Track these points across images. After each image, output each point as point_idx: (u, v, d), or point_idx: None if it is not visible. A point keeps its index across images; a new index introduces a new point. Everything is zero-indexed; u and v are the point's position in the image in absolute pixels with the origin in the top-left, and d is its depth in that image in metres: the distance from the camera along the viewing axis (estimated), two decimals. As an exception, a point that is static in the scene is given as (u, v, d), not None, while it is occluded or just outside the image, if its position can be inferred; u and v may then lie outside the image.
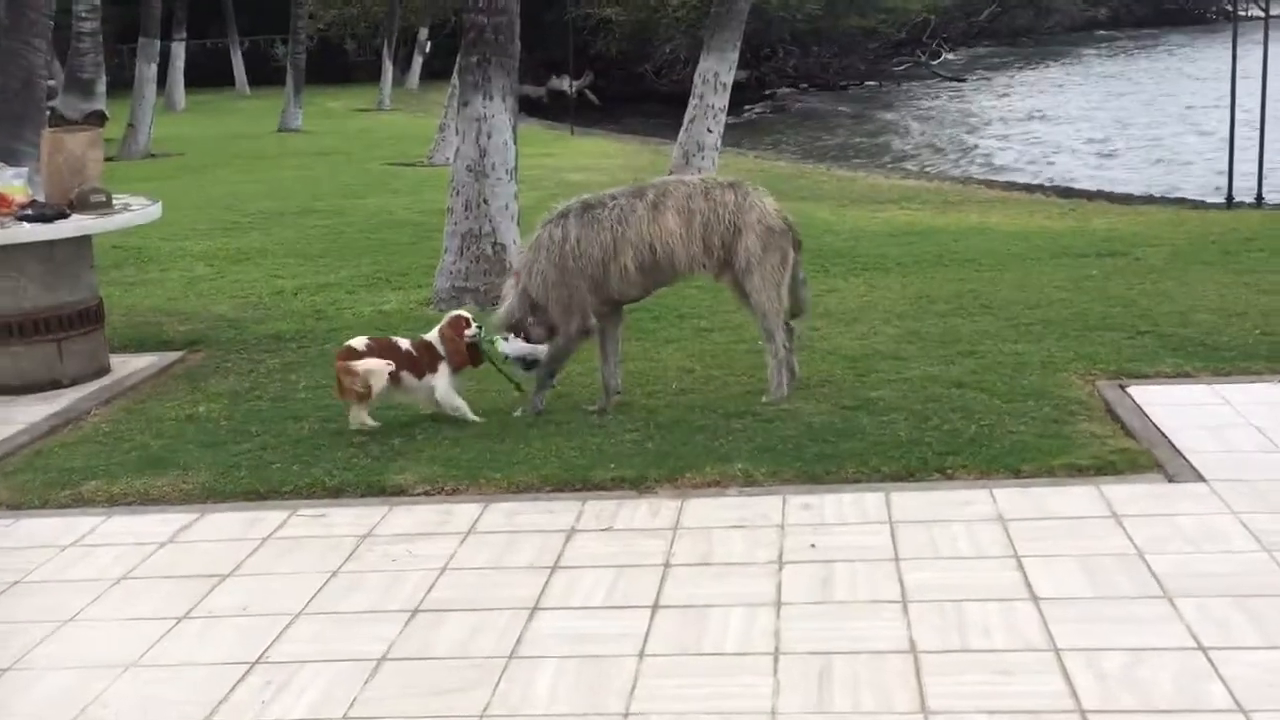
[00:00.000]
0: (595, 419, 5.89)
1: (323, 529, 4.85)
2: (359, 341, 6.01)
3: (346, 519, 4.93)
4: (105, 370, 7.19)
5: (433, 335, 6.08)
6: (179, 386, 6.94)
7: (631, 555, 4.40)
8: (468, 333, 6.04)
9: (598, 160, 18.04)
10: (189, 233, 12.07)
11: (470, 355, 6.04)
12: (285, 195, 14.98)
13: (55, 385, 6.91)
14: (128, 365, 7.35)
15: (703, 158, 11.68)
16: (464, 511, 4.92)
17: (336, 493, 5.20)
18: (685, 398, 6.19)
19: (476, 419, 5.96)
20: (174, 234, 11.82)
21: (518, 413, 6.01)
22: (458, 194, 8.62)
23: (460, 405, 6.00)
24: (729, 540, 4.49)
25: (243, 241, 11.60)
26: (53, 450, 5.93)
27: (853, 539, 4.44)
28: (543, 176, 15.02)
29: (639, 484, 5.07)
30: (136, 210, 7.30)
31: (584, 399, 6.24)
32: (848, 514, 4.68)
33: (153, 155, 20.66)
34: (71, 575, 4.53)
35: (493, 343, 6.04)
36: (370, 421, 5.92)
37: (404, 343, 6.06)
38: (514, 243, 8.32)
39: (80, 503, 5.27)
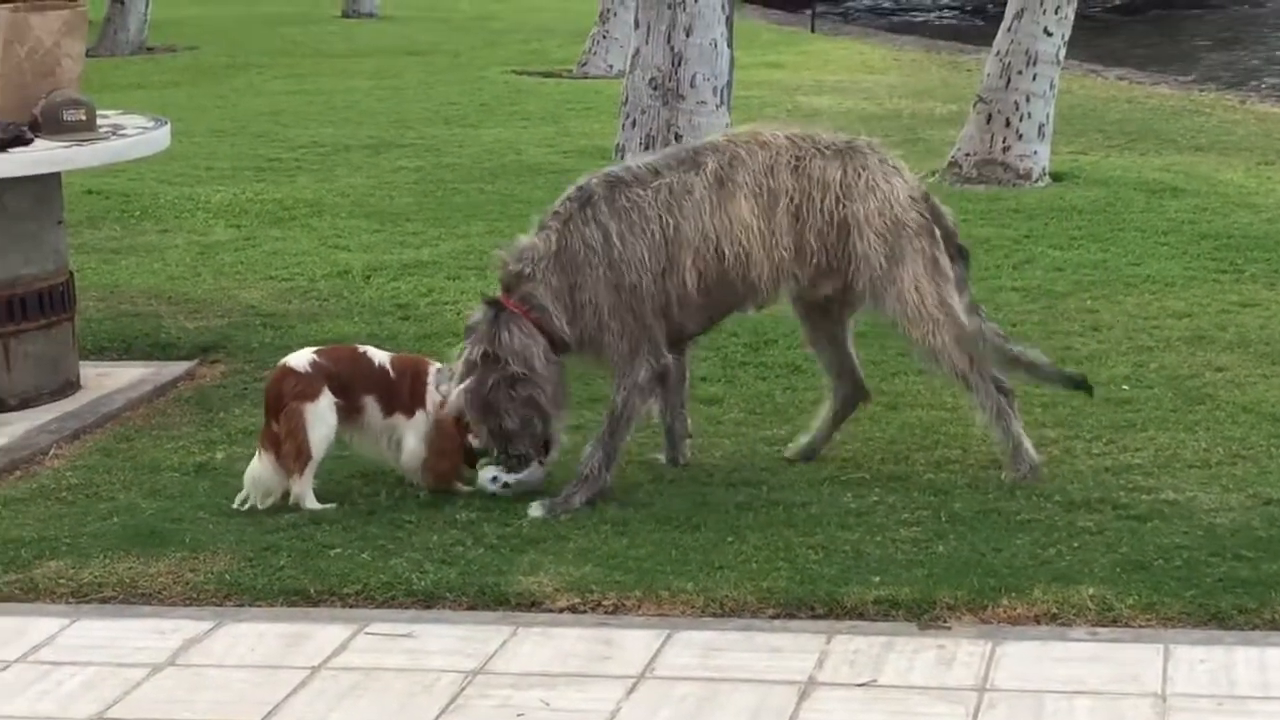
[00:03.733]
0: (847, 499, 5.89)
1: (407, 658, 4.90)
2: (301, 359, 6.06)
3: (445, 644, 4.98)
4: (74, 386, 7.42)
5: (434, 371, 6.16)
6: (185, 417, 7.13)
7: (909, 730, 4.37)
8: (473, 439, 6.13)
9: (855, 76, 17.97)
10: (203, 174, 12.40)
11: (468, 458, 6.19)
12: (354, 118, 15.30)
13: (-4, 406, 7.18)
14: (107, 380, 7.56)
15: (1034, 76, 11.53)
16: (632, 642, 4.94)
17: (429, 600, 5.27)
18: (999, 473, 6.16)
19: (467, 489, 6.11)
20: (181, 175, 12.16)
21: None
22: (634, 125, 8.71)
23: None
24: (1071, 715, 4.44)
25: (287, 190, 11.88)
26: (-9, 509, 6.15)
27: (1286, 726, 4.35)
28: (765, 101, 15.06)
29: (921, 612, 5.06)
30: (132, 136, 7.51)
31: (836, 461, 6.24)
32: (1275, 682, 4.58)
33: (149, 49, 21.34)
34: (12, 711, 4.65)
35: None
36: (316, 504, 5.99)
37: (378, 355, 6.17)
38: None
39: (31, 594, 5.42)
